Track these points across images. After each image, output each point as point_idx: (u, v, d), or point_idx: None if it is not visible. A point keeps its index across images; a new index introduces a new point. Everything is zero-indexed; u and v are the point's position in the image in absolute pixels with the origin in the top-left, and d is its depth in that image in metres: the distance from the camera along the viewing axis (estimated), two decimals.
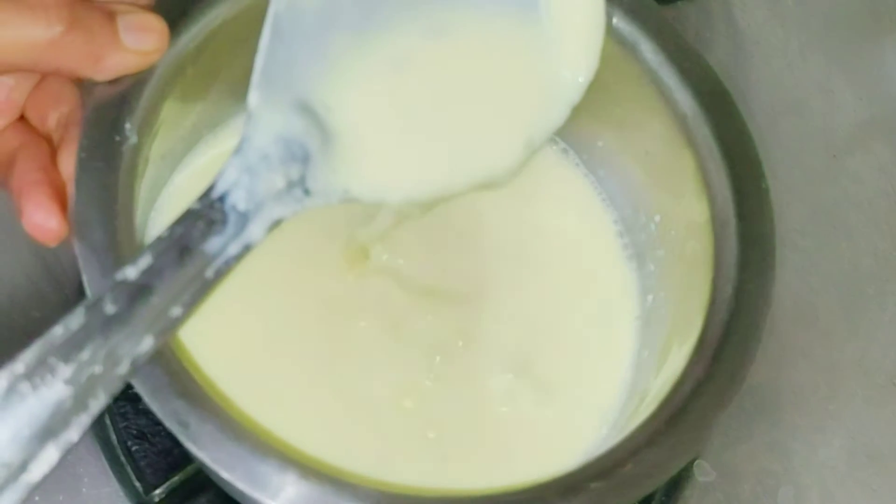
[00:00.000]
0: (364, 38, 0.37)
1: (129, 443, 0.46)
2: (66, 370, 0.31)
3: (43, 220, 0.36)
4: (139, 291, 0.32)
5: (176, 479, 0.46)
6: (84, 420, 0.31)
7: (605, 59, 0.44)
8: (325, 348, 0.43)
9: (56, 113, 0.39)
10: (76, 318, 0.31)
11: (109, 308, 0.32)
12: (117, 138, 0.37)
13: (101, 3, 0.37)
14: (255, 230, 0.34)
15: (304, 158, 0.36)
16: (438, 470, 0.42)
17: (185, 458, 0.46)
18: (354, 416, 0.42)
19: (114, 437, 0.47)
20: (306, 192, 0.35)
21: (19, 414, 0.30)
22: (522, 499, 0.35)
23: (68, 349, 0.31)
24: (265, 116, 0.35)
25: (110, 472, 0.47)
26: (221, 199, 0.34)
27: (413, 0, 0.38)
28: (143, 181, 0.39)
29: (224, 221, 0.34)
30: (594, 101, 0.46)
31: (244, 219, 0.34)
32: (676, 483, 0.50)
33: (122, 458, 0.46)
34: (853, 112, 0.62)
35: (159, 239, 0.33)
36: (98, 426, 0.47)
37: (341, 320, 0.44)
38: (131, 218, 0.37)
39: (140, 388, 0.34)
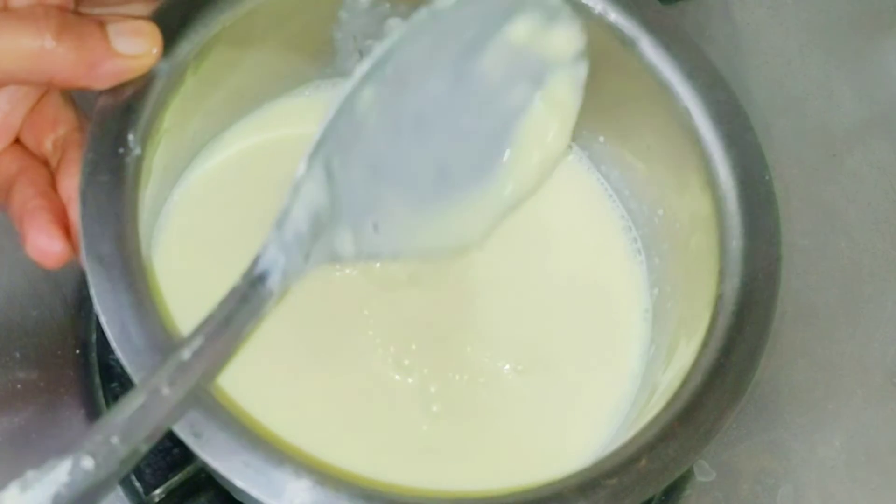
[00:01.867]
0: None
1: None
2: (123, 451, 0.32)
3: (46, 245, 0.37)
4: (189, 371, 0.33)
5: (176, 479, 0.46)
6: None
7: (605, 56, 0.44)
8: (334, 353, 0.43)
9: (53, 136, 0.39)
10: (138, 398, 0.33)
11: (166, 391, 0.33)
12: (121, 150, 0.37)
13: (93, 15, 0.37)
14: (273, 302, 0.36)
15: (320, 232, 0.38)
16: (450, 472, 0.42)
17: (185, 458, 0.46)
18: (364, 420, 0.42)
19: None
20: (307, 258, 0.37)
21: (78, 491, 0.31)
22: (540, 497, 0.35)
23: (128, 430, 0.32)
24: (305, 187, 0.37)
25: None
26: (262, 278, 0.36)
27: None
28: (147, 192, 0.39)
29: (262, 306, 0.36)
30: (595, 98, 0.46)
31: (274, 297, 0.36)
32: (676, 482, 0.50)
33: None
34: (853, 111, 0.62)
35: (211, 318, 0.35)
36: None
37: (349, 324, 0.44)
38: (137, 229, 0.37)
39: None
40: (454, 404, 0.43)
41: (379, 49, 0.39)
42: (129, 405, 0.33)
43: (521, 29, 0.42)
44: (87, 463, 0.31)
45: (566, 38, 0.43)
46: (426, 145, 0.42)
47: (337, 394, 0.43)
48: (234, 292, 0.35)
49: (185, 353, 0.34)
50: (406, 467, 0.41)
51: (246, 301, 0.35)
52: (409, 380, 0.43)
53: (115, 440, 0.32)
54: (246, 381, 0.40)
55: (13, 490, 0.30)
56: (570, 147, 0.49)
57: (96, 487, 0.31)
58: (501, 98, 0.43)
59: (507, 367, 0.44)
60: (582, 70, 0.43)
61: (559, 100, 0.43)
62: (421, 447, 0.42)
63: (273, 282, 0.36)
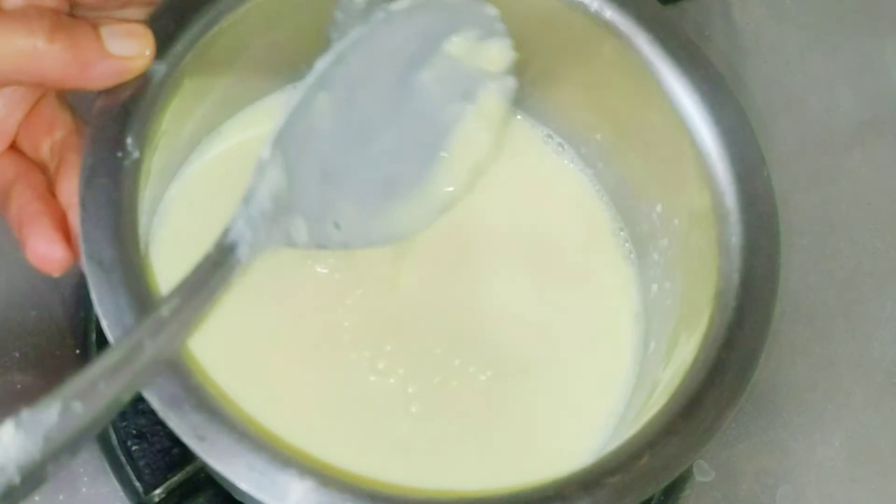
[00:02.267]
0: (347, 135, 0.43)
1: (129, 442, 0.46)
2: (108, 396, 0.33)
3: (47, 251, 0.37)
4: (167, 326, 0.35)
5: (175, 478, 0.46)
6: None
7: (602, 53, 0.44)
8: (331, 354, 0.43)
9: (49, 140, 0.39)
10: (122, 349, 0.34)
11: (147, 343, 0.34)
12: (119, 154, 0.37)
13: (87, 18, 0.37)
14: (240, 270, 0.38)
15: (280, 213, 0.40)
16: (449, 472, 0.42)
17: (185, 457, 0.46)
18: (363, 421, 0.42)
19: (113, 437, 0.47)
20: (269, 235, 0.39)
21: (68, 431, 0.32)
22: (542, 496, 0.35)
23: (113, 377, 0.33)
24: (269, 170, 0.39)
25: (110, 472, 0.47)
26: (232, 248, 0.38)
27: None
28: (146, 194, 0.39)
29: (231, 272, 0.37)
30: (592, 95, 0.47)
31: (241, 266, 0.38)
32: (675, 482, 0.50)
33: (122, 458, 0.46)
34: (852, 111, 0.62)
35: (186, 281, 0.36)
36: None
37: (326, 326, 0.44)
38: (136, 232, 0.37)
39: (154, 403, 0.34)
40: (433, 406, 0.43)
41: (339, 45, 0.42)
42: (115, 354, 0.34)
43: (459, 43, 0.45)
44: (77, 405, 0.32)
45: (498, 52, 0.46)
46: (373, 153, 0.44)
47: (314, 397, 0.43)
48: (207, 259, 0.37)
49: (164, 311, 0.35)
50: (387, 468, 0.41)
51: (217, 268, 0.37)
52: (391, 380, 0.43)
53: (101, 385, 0.33)
54: (227, 385, 0.40)
55: (9, 427, 0.31)
56: (553, 138, 0.50)
57: (82, 431, 0.32)
58: (439, 108, 0.46)
59: (489, 370, 0.44)
60: (510, 83, 0.46)
61: (489, 110, 0.46)
62: (400, 449, 0.42)
63: (242, 252, 0.38)
